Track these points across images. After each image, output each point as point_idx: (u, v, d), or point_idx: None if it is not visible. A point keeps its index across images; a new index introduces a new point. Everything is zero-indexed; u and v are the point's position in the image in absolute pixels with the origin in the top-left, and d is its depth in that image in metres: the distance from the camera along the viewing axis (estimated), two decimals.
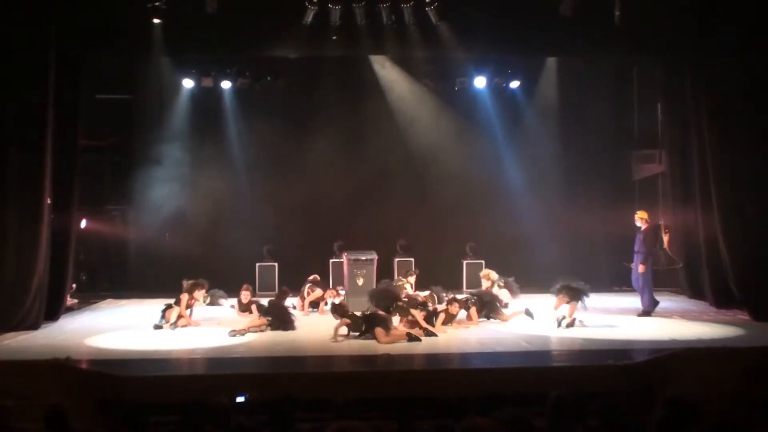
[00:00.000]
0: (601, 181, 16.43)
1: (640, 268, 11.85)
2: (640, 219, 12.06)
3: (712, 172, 12.07)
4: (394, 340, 9.62)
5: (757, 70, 11.51)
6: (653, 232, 12.11)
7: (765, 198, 11.60)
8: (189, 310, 11.45)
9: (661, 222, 12.22)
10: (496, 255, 15.47)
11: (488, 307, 11.57)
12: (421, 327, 10.27)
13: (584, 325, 10.70)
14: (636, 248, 12.07)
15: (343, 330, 9.92)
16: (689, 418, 4.88)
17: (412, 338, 9.68)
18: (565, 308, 10.86)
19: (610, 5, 12.21)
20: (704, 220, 12.60)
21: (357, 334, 9.88)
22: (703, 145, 12.37)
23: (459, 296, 11.87)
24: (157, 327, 11.01)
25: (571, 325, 10.62)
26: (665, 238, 12.18)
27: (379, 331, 9.67)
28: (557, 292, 10.93)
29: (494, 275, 13.09)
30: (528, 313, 11.35)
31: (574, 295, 10.76)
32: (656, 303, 12.07)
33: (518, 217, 15.82)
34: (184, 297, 11.43)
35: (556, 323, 10.68)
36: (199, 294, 11.78)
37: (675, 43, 12.85)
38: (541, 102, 16.37)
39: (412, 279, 13.65)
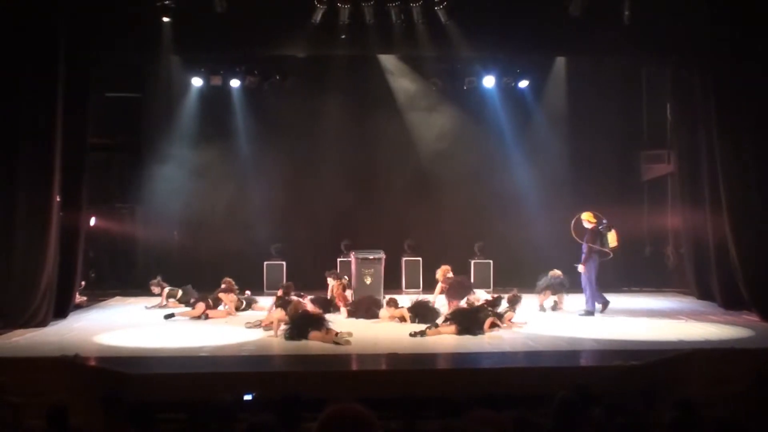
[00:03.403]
0: (610, 182, 16.34)
1: (580, 268, 12.09)
2: (587, 220, 12.26)
3: (721, 172, 12.01)
4: (324, 341, 9.57)
5: (766, 71, 11.46)
6: (594, 233, 12.16)
7: None
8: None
9: (605, 221, 12.27)
10: (505, 255, 15.45)
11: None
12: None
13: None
14: (584, 249, 12.27)
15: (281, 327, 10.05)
16: (698, 420, 4.87)
17: (338, 342, 9.49)
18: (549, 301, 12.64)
19: (619, 5, 12.18)
20: (713, 220, 12.55)
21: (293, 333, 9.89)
22: (712, 145, 12.31)
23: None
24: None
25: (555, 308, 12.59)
26: (612, 235, 12.17)
27: (312, 333, 9.70)
28: (541, 291, 12.62)
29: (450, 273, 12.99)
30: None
31: (558, 288, 12.60)
32: (606, 303, 12.27)
33: (526, 217, 15.77)
34: (228, 298, 12.04)
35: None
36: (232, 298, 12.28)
37: (684, 43, 12.80)
38: (549, 102, 16.31)
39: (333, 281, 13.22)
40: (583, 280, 12.19)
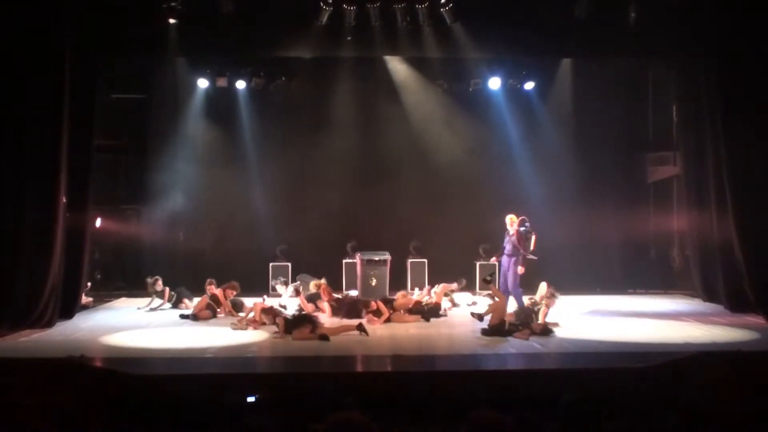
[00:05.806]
0: (616, 184, 16.36)
1: (520, 270, 12.00)
2: (510, 222, 12.25)
3: (727, 174, 11.99)
4: (307, 338, 9.79)
5: None
6: (520, 234, 12.16)
7: None
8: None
9: (527, 225, 12.30)
10: None
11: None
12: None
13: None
14: (507, 251, 12.19)
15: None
16: (703, 423, 4.86)
17: (322, 338, 9.78)
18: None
19: (625, 7, 12.18)
20: (719, 222, 12.53)
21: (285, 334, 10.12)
22: (718, 147, 12.30)
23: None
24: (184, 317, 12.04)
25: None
26: (533, 241, 12.21)
27: (296, 332, 9.96)
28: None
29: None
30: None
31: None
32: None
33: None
34: (221, 294, 12.19)
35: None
36: (231, 294, 12.31)
37: (690, 44, 12.79)
38: (555, 103, 16.30)
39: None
40: (513, 281, 12.07)
